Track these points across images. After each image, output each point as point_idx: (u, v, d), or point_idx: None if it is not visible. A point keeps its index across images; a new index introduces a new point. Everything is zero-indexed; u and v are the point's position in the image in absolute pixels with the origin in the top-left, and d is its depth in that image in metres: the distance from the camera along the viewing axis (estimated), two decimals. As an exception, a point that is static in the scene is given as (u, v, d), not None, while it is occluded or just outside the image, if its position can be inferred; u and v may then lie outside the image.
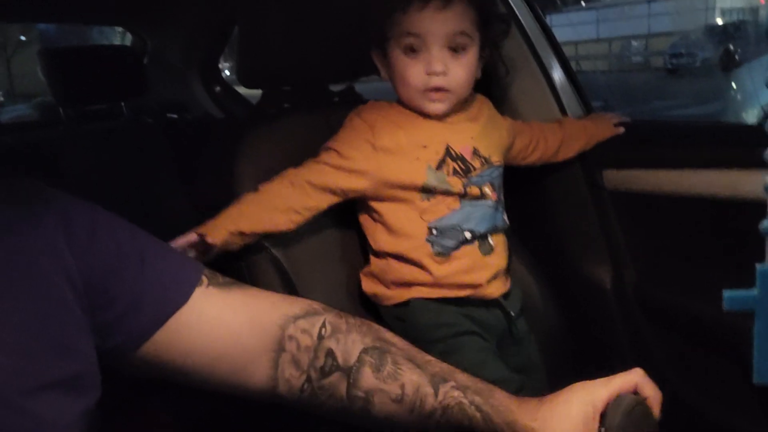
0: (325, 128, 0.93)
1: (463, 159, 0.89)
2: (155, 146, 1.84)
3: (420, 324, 0.88)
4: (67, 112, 1.79)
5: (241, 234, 0.82)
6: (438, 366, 0.60)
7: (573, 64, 1.23)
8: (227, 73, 2.43)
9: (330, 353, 0.59)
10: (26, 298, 0.48)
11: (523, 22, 1.14)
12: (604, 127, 1.09)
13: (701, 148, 1.01)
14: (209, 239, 0.80)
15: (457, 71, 0.85)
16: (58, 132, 1.78)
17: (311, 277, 0.92)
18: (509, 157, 1.01)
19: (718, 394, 0.98)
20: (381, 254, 0.90)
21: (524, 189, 1.07)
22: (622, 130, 1.09)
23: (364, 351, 0.59)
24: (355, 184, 0.87)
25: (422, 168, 0.87)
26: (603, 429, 0.54)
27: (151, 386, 0.66)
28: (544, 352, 1.00)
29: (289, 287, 0.89)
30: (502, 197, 0.95)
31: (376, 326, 0.64)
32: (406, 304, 0.89)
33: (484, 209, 0.90)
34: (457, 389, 0.58)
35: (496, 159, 0.94)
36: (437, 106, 0.87)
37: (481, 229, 0.90)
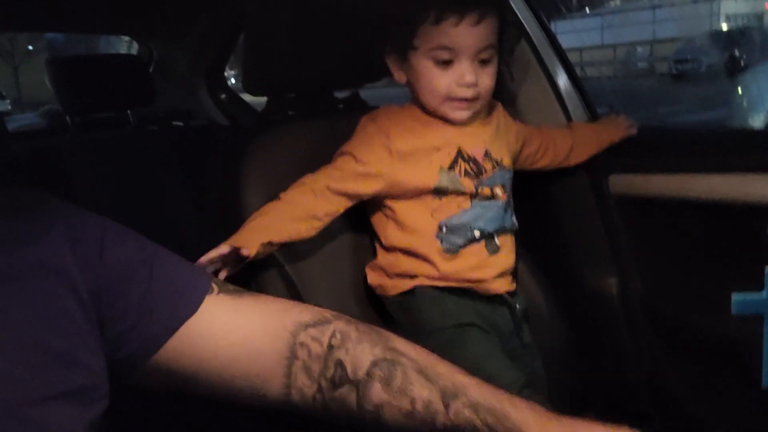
0: (330, 135, 0.94)
1: (475, 161, 0.91)
2: (161, 154, 1.84)
3: (424, 312, 0.89)
4: (74, 120, 1.80)
5: (270, 244, 0.83)
6: (450, 379, 0.59)
7: (578, 70, 1.23)
8: (233, 81, 2.44)
9: (339, 363, 0.58)
10: (31, 311, 0.48)
11: (528, 29, 1.14)
12: (615, 130, 1.09)
13: (707, 152, 1.01)
14: (244, 252, 0.80)
15: (485, 81, 0.88)
16: (65, 140, 1.79)
17: (316, 276, 0.92)
18: (519, 161, 1.02)
19: (727, 408, 0.96)
20: (390, 249, 0.92)
21: (528, 195, 1.07)
22: (634, 131, 1.09)
23: (374, 363, 0.59)
24: (372, 187, 0.88)
25: (434, 170, 0.88)
26: None
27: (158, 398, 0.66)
28: (549, 362, 0.99)
29: (292, 285, 0.90)
30: (511, 199, 0.96)
31: (387, 333, 0.63)
32: (411, 292, 0.90)
33: (494, 209, 0.92)
34: (468, 407, 0.57)
35: (508, 162, 0.96)
36: (463, 114, 0.89)
37: (489, 228, 0.91)
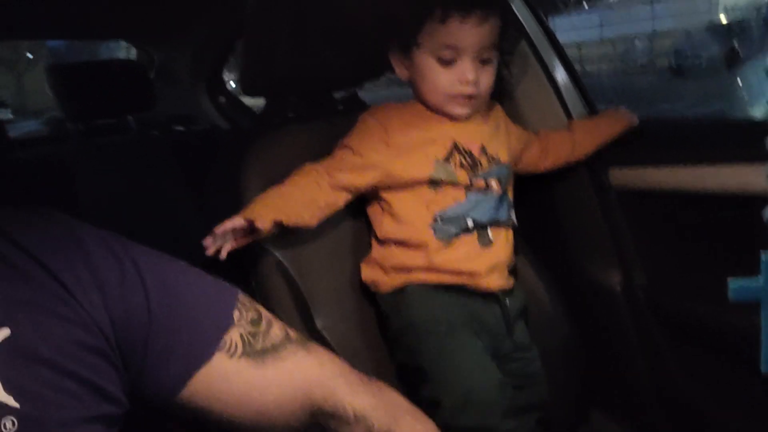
0: (330, 136, 0.95)
1: (470, 154, 0.92)
2: (163, 159, 1.85)
3: (414, 314, 0.89)
4: (76, 126, 1.81)
5: (278, 224, 0.84)
6: None
7: (576, 66, 1.23)
8: (232, 84, 2.45)
9: None
10: (57, 341, 0.49)
11: (525, 25, 1.14)
12: (616, 122, 1.09)
13: (706, 144, 1.01)
14: (259, 224, 0.81)
15: (485, 80, 0.90)
16: (67, 147, 1.80)
17: (316, 273, 0.93)
18: (522, 166, 1.04)
19: (734, 402, 0.96)
20: (384, 241, 0.93)
21: (529, 189, 1.07)
22: (636, 121, 1.08)
23: None
24: (369, 178, 0.90)
25: (430, 161, 0.90)
26: None
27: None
28: (551, 359, 0.99)
29: (293, 282, 0.91)
30: (509, 194, 0.97)
31: (397, 401, 0.64)
32: (402, 290, 0.90)
33: (489, 201, 0.93)
34: None
35: (505, 158, 0.96)
36: (464, 110, 0.91)
37: (483, 219, 0.92)
